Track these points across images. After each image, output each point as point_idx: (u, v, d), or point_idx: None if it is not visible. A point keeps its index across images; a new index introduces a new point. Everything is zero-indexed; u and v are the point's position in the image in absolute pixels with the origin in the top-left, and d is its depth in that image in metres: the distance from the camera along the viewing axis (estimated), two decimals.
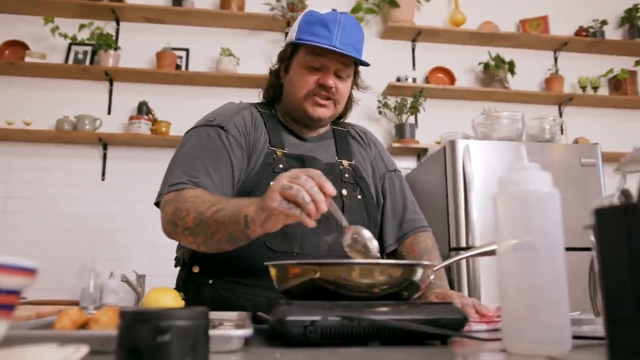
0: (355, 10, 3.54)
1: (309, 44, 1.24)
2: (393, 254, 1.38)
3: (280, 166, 1.23)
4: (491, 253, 0.93)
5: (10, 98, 3.22)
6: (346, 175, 1.31)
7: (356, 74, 1.37)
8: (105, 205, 3.18)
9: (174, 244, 3.32)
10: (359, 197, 1.30)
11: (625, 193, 0.66)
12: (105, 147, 3.23)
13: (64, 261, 3.06)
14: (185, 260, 1.31)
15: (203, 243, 1.09)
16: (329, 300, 0.77)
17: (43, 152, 3.20)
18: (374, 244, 0.96)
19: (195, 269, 1.26)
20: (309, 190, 0.85)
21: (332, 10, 1.29)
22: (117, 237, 3.14)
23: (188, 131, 1.31)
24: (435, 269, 0.89)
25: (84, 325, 0.73)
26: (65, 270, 3.05)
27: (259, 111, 1.35)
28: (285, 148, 1.29)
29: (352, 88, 1.38)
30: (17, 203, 3.12)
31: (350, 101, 1.42)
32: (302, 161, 1.26)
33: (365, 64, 1.29)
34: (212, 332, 0.69)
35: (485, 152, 2.57)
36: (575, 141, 3.51)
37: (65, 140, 3.17)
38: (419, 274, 0.83)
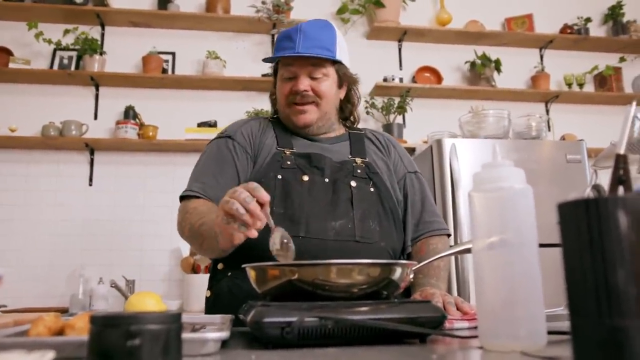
0: (340, 11, 3.55)
1: (277, 57, 1.36)
2: (409, 256, 1.39)
3: (288, 162, 1.30)
4: (467, 251, 0.94)
5: None
6: (358, 171, 1.34)
7: (339, 71, 1.40)
8: (93, 211, 3.16)
9: (164, 249, 3.31)
10: (372, 189, 1.32)
11: (597, 188, 0.66)
12: (92, 153, 3.21)
13: (52, 268, 3.04)
14: (213, 259, 1.38)
15: (198, 250, 1.26)
16: (309, 301, 0.77)
17: (29, 158, 3.17)
18: (291, 245, 1.03)
19: (220, 266, 1.33)
20: (242, 201, 0.91)
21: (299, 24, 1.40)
22: (105, 242, 3.12)
23: (208, 144, 1.44)
24: (414, 267, 0.89)
25: (60, 332, 0.72)
26: (54, 277, 3.03)
27: (270, 121, 1.45)
28: (293, 148, 1.35)
29: (342, 84, 1.42)
30: (3, 210, 3.09)
31: (351, 100, 1.48)
32: (309, 158, 1.32)
33: (335, 60, 1.36)
34: (187, 336, 0.69)
35: (472, 150, 2.58)
36: (562, 138, 3.54)
37: (51, 146, 3.15)
38: (397, 273, 0.83)
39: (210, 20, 3.41)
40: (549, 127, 3.66)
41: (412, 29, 3.58)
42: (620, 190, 0.64)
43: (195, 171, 1.36)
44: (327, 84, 1.37)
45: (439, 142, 2.59)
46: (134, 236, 3.11)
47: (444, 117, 3.44)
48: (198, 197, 1.28)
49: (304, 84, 1.33)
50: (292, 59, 1.33)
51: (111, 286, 2.82)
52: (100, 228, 3.14)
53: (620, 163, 0.63)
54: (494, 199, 0.68)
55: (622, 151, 0.67)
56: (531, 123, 2.94)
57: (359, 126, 1.58)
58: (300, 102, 1.35)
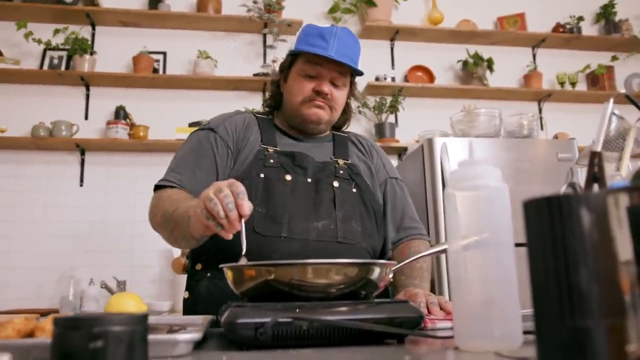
0: (332, 10, 3.54)
1: (306, 53, 1.32)
2: (390, 259, 1.39)
3: (271, 161, 1.29)
4: (445, 251, 0.93)
5: None
6: (341, 172, 1.34)
7: (352, 84, 1.43)
8: (84, 212, 3.14)
9: (154, 249, 3.29)
10: (354, 190, 1.33)
11: (572, 186, 0.65)
12: (82, 153, 3.19)
13: (42, 269, 3.02)
14: (191, 259, 1.36)
15: (167, 239, 1.21)
16: (288, 302, 0.77)
17: (19, 159, 3.15)
18: None
19: (198, 267, 1.31)
20: (225, 206, 0.90)
21: (332, 25, 1.40)
22: (96, 243, 3.10)
23: (190, 134, 1.42)
24: (393, 267, 0.88)
25: (30, 334, 0.71)
26: (44, 279, 3.01)
27: (255, 116, 1.43)
28: (277, 146, 1.34)
29: (348, 98, 1.44)
30: None
31: (348, 111, 1.49)
32: (292, 157, 1.32)
33: (360, 73, 1.37)
34: (157, 337, 0.68)
35: (463, 149, 2.57)
36: (555, 136, 3.54)
37: (41, 146, 3.13)
38: (375, 272, 0.82)
39: (201, 19, 3.39)
40: (541, 126, 3.66)
41: (404, 28, 3.57)
42: (595, 187, 0.64)
43: (173, 161, 1.34)
44: (344, 94, 1.40)
45: (430, 141, 2.59)
46: (124, 237, 3.09)
47: (436, 117, 3.44)
48: (173, 187, 1.25)
49: (328, 87, 1.34)
50: (321, 58, 1.31)
51: (102, 287, 2.81)
52: (91, 229, 3.12)
53: (595, 160, 0.63)
54: (469, 197, 0.67)
55: (598, 148, 0.66)
56: (523, 122, 2.94)
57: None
58: (320, 101, 1.35)
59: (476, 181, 0.68)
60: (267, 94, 1.50)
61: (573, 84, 3.77)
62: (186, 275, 1.37)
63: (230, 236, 0.93)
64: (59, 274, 3.03)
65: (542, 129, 3.65)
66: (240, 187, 0.94)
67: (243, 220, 0.93)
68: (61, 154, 3.19)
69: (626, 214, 0.46)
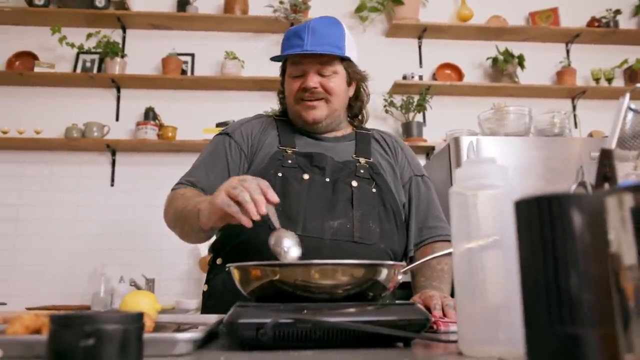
0: (359, 9, 3.52)
1: (286, 55, 1.36)
2: (412, 260, 1.37)
3: (289, 161, 1.30)
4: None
5: (20, 107, 3.29)
6: (361, 171, 1.32)
7: (348, 68, 1.40)
8: (115, 211, 3.22)
9: (182, 248, 3.35)
10: (374, 190, 1.30)
11: (582, 185, 0.62)
12: (113, 154, 3.27)
13: (75, 267, 3.11)
14: (212, 253, 1.40)
15: (180, 234, 1.27)
16: (294, 302, 0.76)
17: (53, 159, 3.25)
18: (294, 251, 0.99)
19: (219, 261, 1.34)
20: (251, 192, 0.93)
21: (307, 21, 1.39)
22: (126, 241, 3.17)
23: (212, 139, 1.47)
24: (402, 269, 0.86)
25: (38, 331, 0.73)
26: (77, 276, 3.10)
27: (275, 119, 1.45)
28: (296, 147, 1.35)
29: (351, 81, 1.42)
30: (28, 210, 3.17)
31: (361, 98, 1.47)
32: (310, 157, 1.32)
33: (344, 57, 1.35)
34: (156, 336, 0.68)
35: (490, 149, 2.51)
36: (590, 135, 3.42)
37: (74, 147, 3.22)
38: (383, 274, 0.80)
39: (228, 21, 3.43)
40: (575, 124, 3.55)
41: (432, 25, 3.52)
42: (606, 187, 0.61)
43: (191, 166, 1.39)
44: (337, 81, 1.37)
45: (456, 140, 2.54)
46: (153, 236, 3.15)
47: (465, 115, 3.37)
48: (186, 187, 1.31)
49: (314, 80, 1.33)
50: (301, 56, 1.33)
51: (130, 285, 2.87)
52: (121, 227, 3.19)
53: (605, 159, 0.60)
54: (472, 197, 0.65)
55: (612, 146, 0.63)
56: (554, 120, 2.85)
57: (369, 124, 1.56)
58: (309, 98, 1.34)
59: (481, 180, 0.65)
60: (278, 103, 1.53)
61: (609, 80, 3.64)
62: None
63: (250, 224, 0.95)
64: (90, 272, 3.11)
65: (576, 127, 3.54)
66: (266, 182, 0.98)
67: (272, 206, 0.96)
68: (93, 154, 3.28)
69: (630, 215, 0.43)
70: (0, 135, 3.11)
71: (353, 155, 1.37)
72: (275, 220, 0.99)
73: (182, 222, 1.19)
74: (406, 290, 1.39)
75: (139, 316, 0.56)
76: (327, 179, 1.28)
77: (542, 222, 0.39)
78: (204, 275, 2.90)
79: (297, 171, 1.28)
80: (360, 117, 1.51)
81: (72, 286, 3.06)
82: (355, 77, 1.43)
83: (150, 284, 3.01)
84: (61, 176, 3.23)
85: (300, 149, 1.35)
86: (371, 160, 1.37)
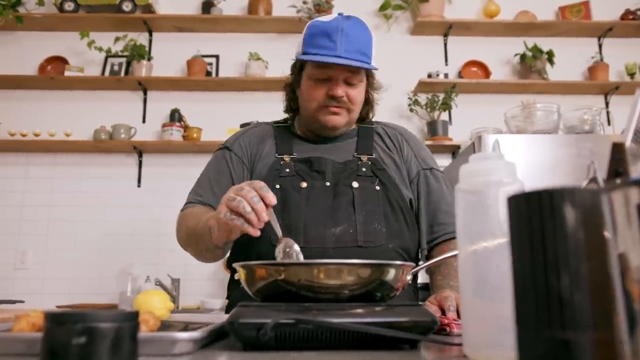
0: (383, 7, 3.49)
1: (319, 60, 1.24)
2: (428, 258, 1.33)
3: (287, 170, 1.27)
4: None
5: (51, 110, 3.38)
6: (363, 169, 1.29)
7: (370, 76, 1.36)
8: (142, 211, 3.27)
9: None
10: (377, 187, 1.26)
11: (594, 181, 0.59)
12: (140, 155, 3.33)
13: (103, 266, 3.17)
14: (231, 270, 1.39)
15: (194, 253, 1.28)
16: (300, 302, 0.75)
17: (82, 161, 3.33)
18: (301, 258, 1.01)
19: (237, 276, 1.35)
20: (249, 200, 0.92)
21: (338, 14, 1.28)
22: (153, 242, 3.22)
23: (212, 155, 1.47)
24: (413, 270, 0.84)
25: None
26: (105, 275, 3.16)
27: (273, 127, 1.42)
28: (294, 154, 1.32)
29: (367, 92, 1.38)
30: (59, 211, 3.26)
31: (371, 103, 1.41)
32: (309, 163, 1.28)
33: (373, 69, 1.29)
34: (156, 335, 0.68)
35: (516, 147, 2.45)
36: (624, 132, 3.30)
37: (102, 149, 3.29)
38: (390, 274, 0.78)
39: (252, 22, 3.44)
40: (608, 120, 3.43)
41: (458, 22, 3.46)
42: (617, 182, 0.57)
43: (195, 183, 1.39)
44: (360, 90, 1.33)
45: (480, 139, 2.49)
46: None
47: (492, 113, 3.29)
48: (195, 206, 1.31)
49: (342, 89, 1.27)
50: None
51: (156, 284, 2.91)
52: (148, 228, 3.24)
53: (617, 153, 0.56)
54: (477, 194, 0.63)
55: (628, 141, 0.60)
56: (585, 117, 2.76)
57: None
58: (334, 106, 1.29)
59: (487, 177, 0.63)
60: (283, 99, 1.45)
61: None
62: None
63: (257, 232, 0.95)
64: (118, 271, 3.17)
65: (609, 123, 3.42)
66: (261, 183, 0.96)
67: (271, 210, 0.95)
68: (120, 156, 3.34)
69: (637, 212, 0.41)
70: (32, 137, 3.21)
71: (354, 154, 1.33)
72: (277, 229, 1.00)
73: (195, 239, 1.19)
74: (429, 291, 1.36)
75: (134, 315, 0.55)
76: (328, 183, 1.24)
77: (531, 218, 0.37)
78: (229, 276, 2.94)
79: (296, 180, 1.25)
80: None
81: (100, 285, 3.13)
82: (373, 87, 1.39)
83: (175, 284, 3.05)
84: (90, 177, 3.31)
85: (298, 154, 1.31)
86: (373, 156, 1.33)
